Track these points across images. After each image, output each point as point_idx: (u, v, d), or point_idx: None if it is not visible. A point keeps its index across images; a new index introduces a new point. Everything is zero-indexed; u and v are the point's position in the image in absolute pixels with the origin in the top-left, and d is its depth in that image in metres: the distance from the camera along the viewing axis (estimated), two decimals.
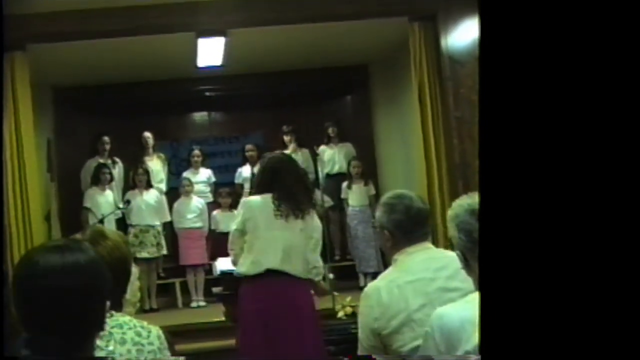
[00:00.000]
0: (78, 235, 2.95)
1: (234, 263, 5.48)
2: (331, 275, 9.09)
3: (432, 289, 3.31)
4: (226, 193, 10.22)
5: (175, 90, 11.34)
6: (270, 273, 5.22)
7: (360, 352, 3.49)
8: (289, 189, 5.32)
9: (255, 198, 5.41)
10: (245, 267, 5.31)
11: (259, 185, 5.51)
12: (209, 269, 9.51)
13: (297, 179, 5.42)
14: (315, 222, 5.46)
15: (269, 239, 5.27)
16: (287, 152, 10.62)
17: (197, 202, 10.33)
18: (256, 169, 6.46)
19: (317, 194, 9.99)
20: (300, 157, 10.83)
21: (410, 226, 3.48)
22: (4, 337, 2.33)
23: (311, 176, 10.53)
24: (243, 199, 5.61)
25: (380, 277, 3.57)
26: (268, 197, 5.33)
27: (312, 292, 5.55)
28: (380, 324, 3.37)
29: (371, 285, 3.52)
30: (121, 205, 9.69)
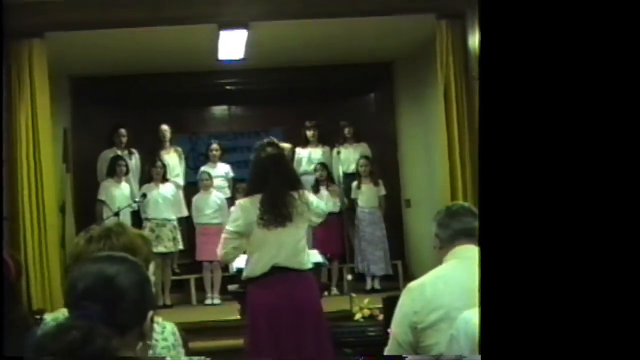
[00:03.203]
0: (93, 227, 3.01)
1: (224, 261, 5.94)
2: (349, 276, 9.09)
3: None
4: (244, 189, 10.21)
5: (195, 82, 11.35)
6: (275, 270, 5.41)
7: (389, 350, 3.51)
8: (275, 193, 5.47)
9: (247, 201, 5.57)
10: (250, 268, 5.52)
11: (249, 187, 5.74)
12: (225, 266, 9.53)
13: (284, 179, 5.55)
14: (310, 206, 5.60)
15: (270, 239, 5.44)
16: (308, 148, 10.69)
17: (216, 198, 10.35)
18: None
19: (337, 189, 10.01)
20: (321, 154, 10.88)
21: (450, 223, 3.55)
22: (4, 337, 2.58)
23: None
24: (238, 201, 5.70)
25: (427, 274, 3.59)
26: (257, 199, 5.48)
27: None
28: (419, 317, 3.39)
29: (416, 281, 3.56)
30: (137, 199, 9.70)
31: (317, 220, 5.77)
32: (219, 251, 5.60)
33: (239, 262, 6.02)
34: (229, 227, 5.58)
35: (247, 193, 5.68)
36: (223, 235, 5.57)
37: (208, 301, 10.08)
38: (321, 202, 5.98)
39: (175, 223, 10.07)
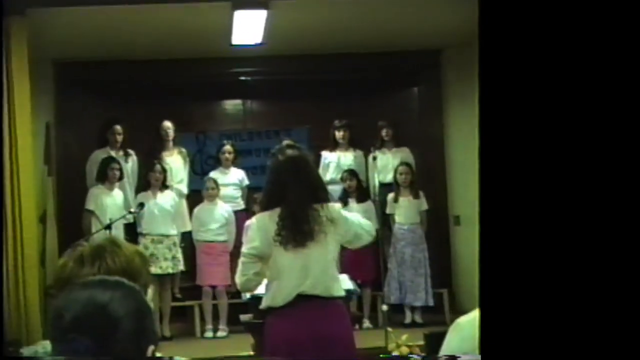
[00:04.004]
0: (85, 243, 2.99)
1: (245, 290, 5.81)
2: (384, 307, 9.04)
3: None
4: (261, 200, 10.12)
5: (204, 71, 11.34)
6: (300, 299, 5.29)
7: None
8: (295, 206, 5.36)
9: (264, 217, 5.46)
10: (271, 296, 5.40)
11: (266, 200, 5.61)
12: (236, 292, 9.49)
13: (306, 187, 5.43)
14: (340, 222, 5.44)
15: (292, 262, 5.32)
16: (337, 152, 10.64)
17: (222, 210, 10.32)
18: None
19: (371, 207, 9.95)
20: (353, 159, 10.85)
21: None
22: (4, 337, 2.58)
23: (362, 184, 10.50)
24: (253, 217, 5.62)
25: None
26: (276, 214, 5.38)
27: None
28: None
29: (466, 316, 3.50)
30: (133, 209, 9.68)
31: (359, 242, 5.65)
32: (238, 279, 5.49)
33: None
34: (245, 249, 5.44)
35: (265, 206, 5.53)
36: (241, 260, 5.46)
37: (208, 334, 10.06)
38: (365, 220, 5.78)
39: (176, 239, 10.03)
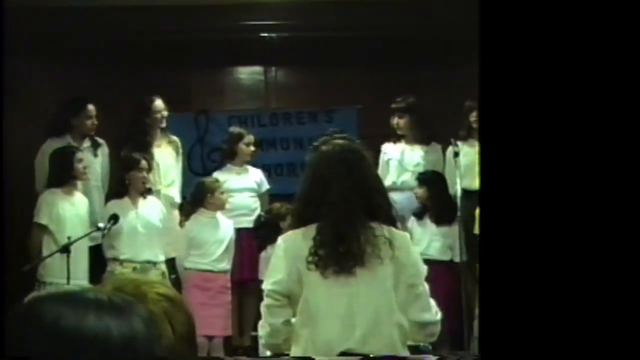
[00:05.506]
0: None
1: (272, 347, 5.69)
2: None
3: None
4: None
5: (209, 24, 11.23)
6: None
7: None
8: (340, 219, 5.37)
9: (295, 236, 5.49)
10: (301, 354, 5.36)
11: (301, 208, 5.65)
12: (248, 347, 9.27)
13: (358, 195, 5.42)
14: (404, 260, 5.39)
15: (335, 298, 5.33)
16: (402, 144, 10.38)
17: (227, 227, 10.11)
18: None
19: (454, 233, 9.65)
20: (423, 155, 10.70)
21: None
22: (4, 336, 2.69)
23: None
24: (280, 238, 5.68)
25: None
26: (312, 231, 5.37)
27: None
28: None
29: None
30: (102, 224, 9.43)
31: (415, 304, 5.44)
32: (262, 330, 5.54)
33: None
34: (267, 285, 5.44)
35: (298, 219, 5.59)
36: (264, 302, 5.45)
37: None
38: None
39: (164, 268, 9.84)
